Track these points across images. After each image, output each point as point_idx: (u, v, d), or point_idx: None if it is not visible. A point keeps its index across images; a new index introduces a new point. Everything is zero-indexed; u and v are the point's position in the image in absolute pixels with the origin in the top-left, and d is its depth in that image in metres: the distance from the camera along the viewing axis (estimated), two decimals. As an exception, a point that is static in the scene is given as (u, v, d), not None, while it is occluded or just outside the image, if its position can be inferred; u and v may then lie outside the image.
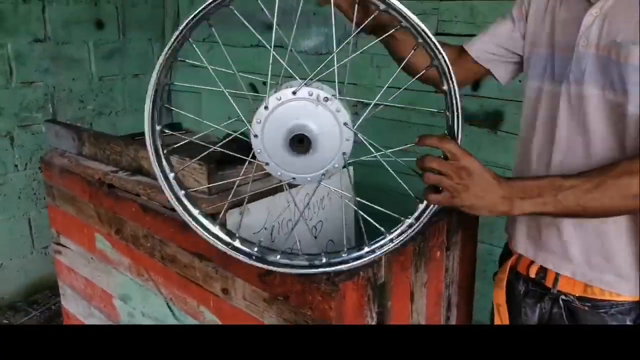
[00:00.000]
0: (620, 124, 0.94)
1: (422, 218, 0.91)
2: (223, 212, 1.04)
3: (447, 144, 0.84)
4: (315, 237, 1.33)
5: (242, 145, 1.49)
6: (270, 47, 0.81)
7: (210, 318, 1.18)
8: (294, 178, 0.88)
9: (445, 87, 0.82)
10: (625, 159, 0.89)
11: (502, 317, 1.18)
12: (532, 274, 1.13)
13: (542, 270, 1.11)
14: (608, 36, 0.95)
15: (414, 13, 0.76)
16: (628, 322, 1.03)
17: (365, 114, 0.86)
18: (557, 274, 1.08)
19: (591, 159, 0.98)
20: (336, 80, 0.83)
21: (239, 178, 1.08)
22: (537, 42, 1.11)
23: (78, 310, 1.73)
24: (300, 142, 0.83)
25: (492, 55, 1.21)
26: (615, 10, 0.95)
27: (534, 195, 0.87)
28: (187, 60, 0.92)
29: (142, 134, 1.92)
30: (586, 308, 1.05)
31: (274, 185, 1.34)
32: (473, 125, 2.22)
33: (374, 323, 1.03)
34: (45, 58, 2.68)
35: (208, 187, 1.24)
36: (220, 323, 1.16)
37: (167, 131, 1.91)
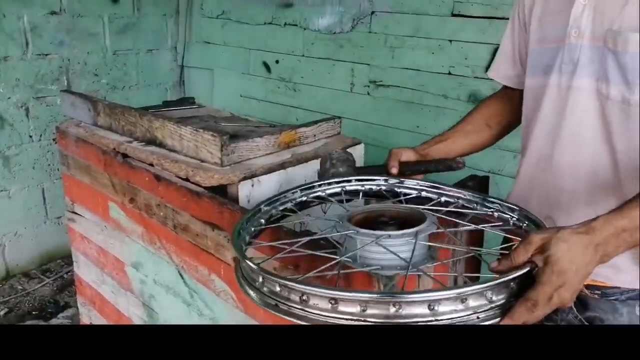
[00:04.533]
0: (613, 112, 0.93)
1: None
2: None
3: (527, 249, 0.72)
4: (325, 213, 1.36)
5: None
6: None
7: (220, 286, 1.22)
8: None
9: None
10: None
11: None
12: None
13: None
14: (602, 25, 0.93)
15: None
16: (637, 308, 1.01)
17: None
18: None
19: (583, 147, 0.98)
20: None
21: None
22: (530, 38, 1.09)
23: (91, 277, 1.77)
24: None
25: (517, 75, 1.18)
26: None
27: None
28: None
29: (155, 107, 1.94)
30: (596, 296, 1.02)
31: (284, 160, 1.36)
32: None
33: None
34: (60, 31, 2.70)
35: (220, 158, 1.26)
36: (230, 290, 1.19)
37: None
